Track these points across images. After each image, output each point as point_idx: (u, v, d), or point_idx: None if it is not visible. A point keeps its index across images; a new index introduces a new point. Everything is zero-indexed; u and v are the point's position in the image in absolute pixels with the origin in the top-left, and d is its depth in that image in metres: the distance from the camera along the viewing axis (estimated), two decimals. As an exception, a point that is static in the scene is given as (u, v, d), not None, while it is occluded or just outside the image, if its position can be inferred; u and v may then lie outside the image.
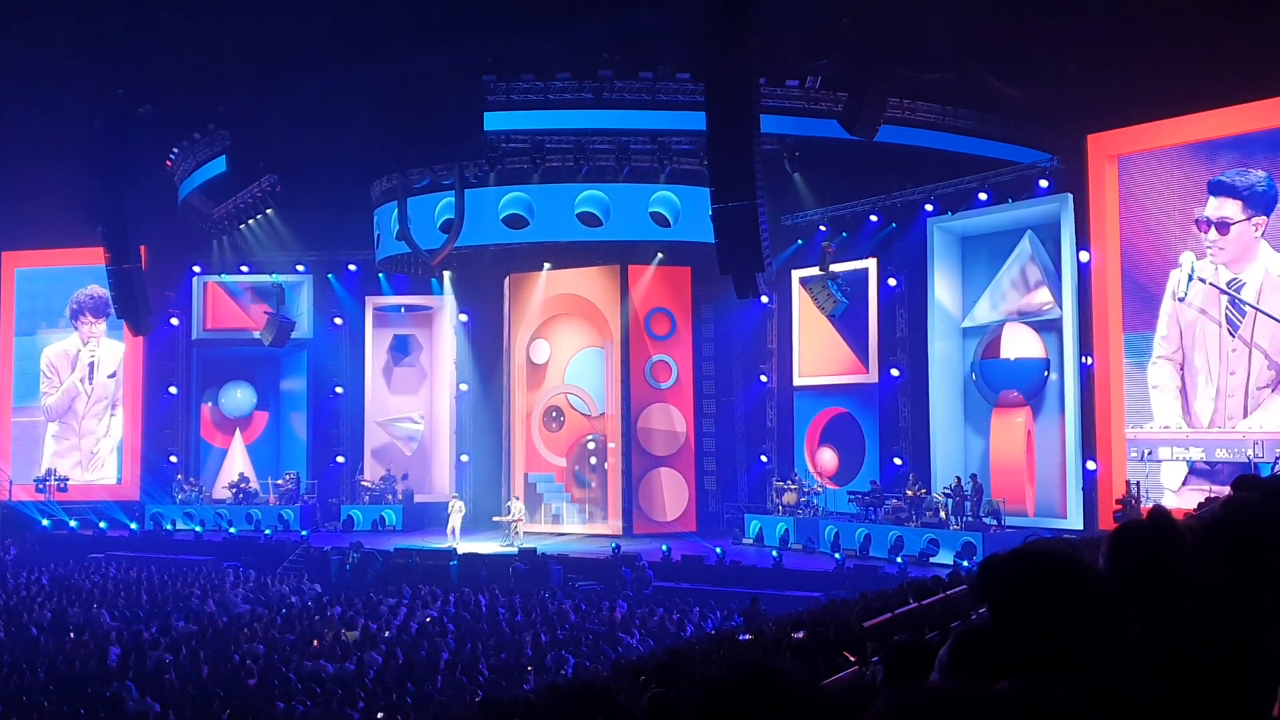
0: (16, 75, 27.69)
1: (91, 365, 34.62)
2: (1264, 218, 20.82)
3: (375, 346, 33.94)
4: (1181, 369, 21.90)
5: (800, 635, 7.85)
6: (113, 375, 34.60)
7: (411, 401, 34.11)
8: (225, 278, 33.82)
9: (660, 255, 29.55)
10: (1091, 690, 1.84)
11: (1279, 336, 20.76)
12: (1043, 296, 24.35)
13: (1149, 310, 22.26)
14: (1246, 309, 21.03)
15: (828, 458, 28.24)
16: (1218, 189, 21.31)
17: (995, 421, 25.15)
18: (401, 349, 34.22)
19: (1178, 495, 21.09)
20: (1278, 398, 20.60)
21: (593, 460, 30.37)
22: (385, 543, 27.30)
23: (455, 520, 27.66)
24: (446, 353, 33.86)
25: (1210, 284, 21.31)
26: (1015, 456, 24.64)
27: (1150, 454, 21.94)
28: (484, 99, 24.96)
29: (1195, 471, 21.50)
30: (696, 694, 1.70)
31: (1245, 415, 20.98)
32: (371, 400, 33.83)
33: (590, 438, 30.43)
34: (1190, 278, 21.57)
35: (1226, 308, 21.32)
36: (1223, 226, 21.17)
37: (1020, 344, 24.79)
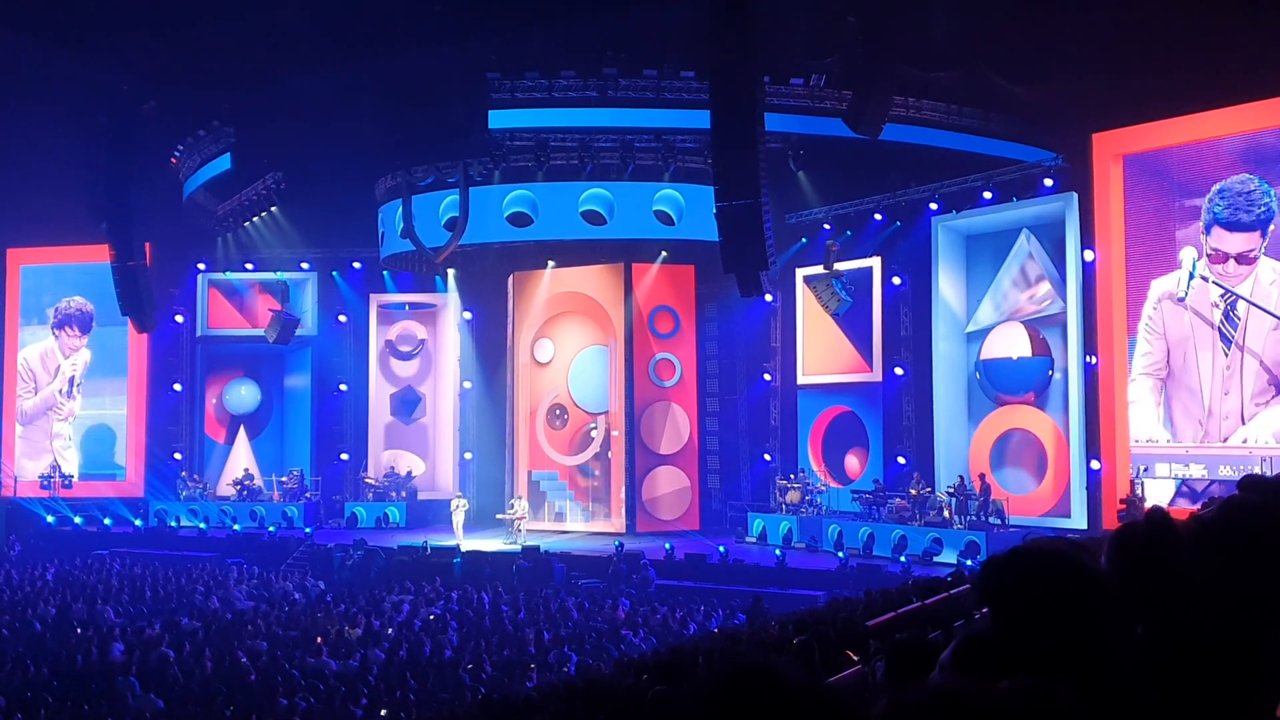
0: (22, 72, 27.72)
1: (72, 380, 34.59)
2: (1273, 226, 20.62)
3: (377, 397, 33.59)
4: (1165, 382, 21.70)
5: (804, 636, 7.86)
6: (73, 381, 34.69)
7: (408, 458, 33.55)
8: (230, 275, 33.85)
9: (664, 253, 29.54)
10: (1093, 691, 1.84)
11: (1274, 344, 20.52)
12: (1044, 291, 24.31)
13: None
14: (1240, 319, 20.76)
15: (854, 464, 28.12)
16: (1234, 227, 20.85)
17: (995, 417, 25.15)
18: (409, 405, 33.91)
19: None
20: (1274, 409, 20.38)
21: (597, 448, 30.36)
22: (389, 540, 27.32)
23: (458, 518, 27.69)
24: (450, 350, 33.86)
25: (1214, 282, 21.17)
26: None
27: (1146, 470, 21.74)
28: (489, 97, 24.98)
29: (1181, 494, 21.10)
30: (695, 691, 1.68)
31: (1242, 439, 20.66)
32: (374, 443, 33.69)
33: (592, 425, 30.40)
34: (1192, 275, 21.46)
35: (1221, 321, 21.05)
36: (1245, 259, 20.76)
37: (1005, 343, 24.81)
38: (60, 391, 34.50)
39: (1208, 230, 21.27)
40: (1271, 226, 20.56)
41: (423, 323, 34.20)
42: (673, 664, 7.78)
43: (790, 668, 1.65)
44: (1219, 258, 21.15)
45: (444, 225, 28.04)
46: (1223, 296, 21.02)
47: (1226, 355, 20.95)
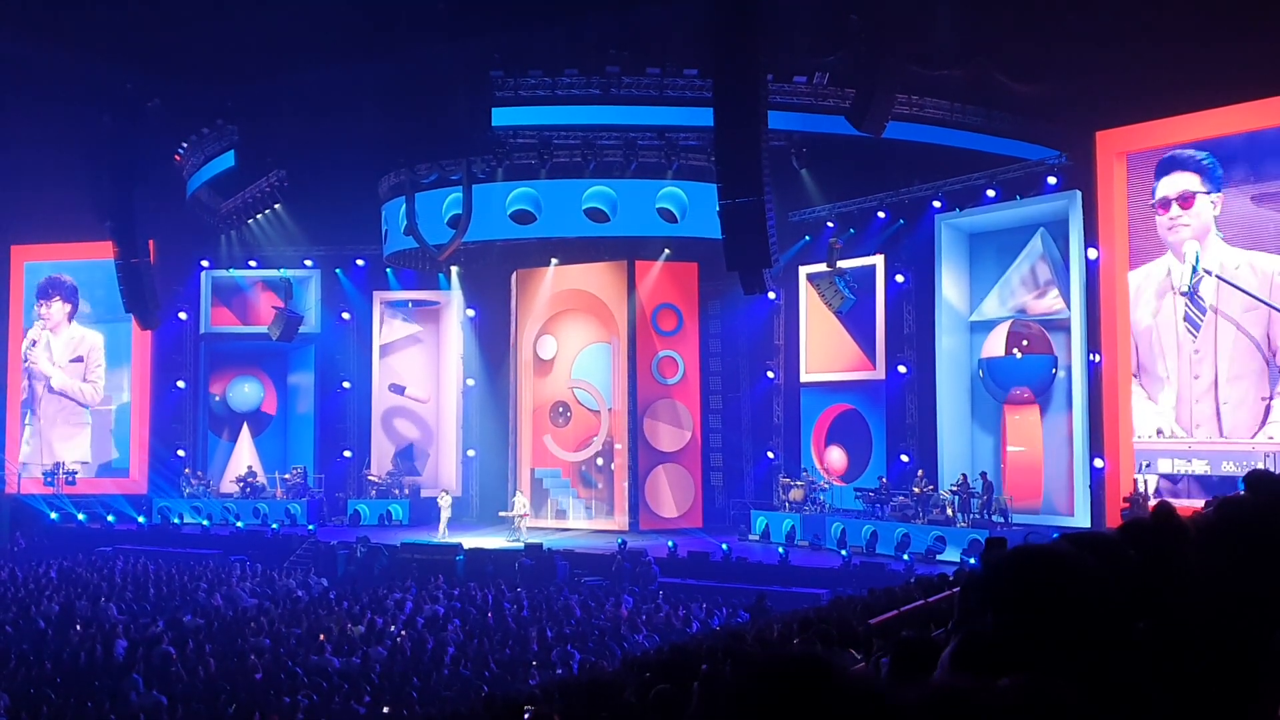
0: (26, 70, 27.74)
1: (80, 356, 34.85)
2: (1219, 194, 20.97)
3: (380, 453, 33.48)
4: (1140, 378, 21.94)
5: (807, 634, 7.85)
6: (79, 360, 34.71)
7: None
8: (233, 272, 33.88)
9: (667, 251, 29.54)
10: (1093, 688, 1.84)
11: (1251, 322, 20.60)
12: (1051, 297, 24.26)
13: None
14: (1205, 303, 20.94)
15: (836, 456, 28.21)
16: (1171, 165, 21.52)
17: (1009, 418, 25.09)
18: (409, 461, 33.67)
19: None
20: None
21: (599, 461, 30.38)
22: (392, 537, 27.33)
23: (445, 515, 27.68)
24: (453, 348, 33.87)
25: (1216, 276, 21.12)
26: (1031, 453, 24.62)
27: (1149, 465, 21.65)
28: (492, 94, 24.96)
29: (1163, 490, 21.12)
30: (738, 679, 1.62)
31: (1220, 430, 20.72)
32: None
33: (595, 438, 30.42)
34: (1195, 269, 21.40)
35: (1186, 305, 21.27)
36: (1185, 199, 21.22)
37: (997, 343, 24.97)
38: (48, 363, 34.62)
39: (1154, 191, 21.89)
40: (1218, 194, 20.92)
41: (425, 322, 34.19)
42: (676, 663, 7.78)
43: (838, 661, 1.59)
44: (1163, 206, 21.67)
45: (447, 223, 28.05)
46: (1190, 277, 21.14)
47: (1195, 339, 21.10)
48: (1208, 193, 21.09)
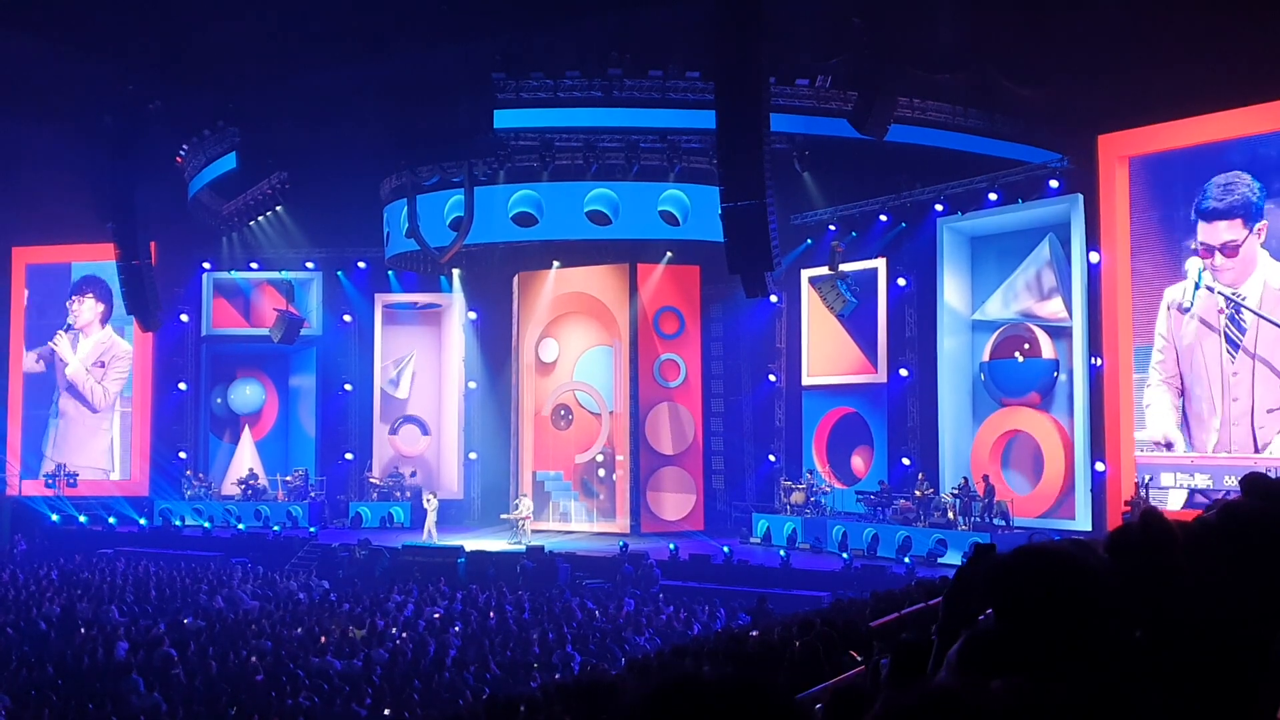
0: (27, 72, 27.78)
1: (102, 361, 34.74)
2: (1263, 222, 20.58)
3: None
4: (1181, 394, 21.53)
5: (807, 637, 7.84)
6: (101, 364, 34.66)
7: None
8: (235, 274, 33.90)
9: (669, 254, 29.53)
10: (1091, 691, 1.84)
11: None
12: (1055, 305, 24.20)
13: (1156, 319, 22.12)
14: (1247, 325, 20.57)
15: (860, 464, 28.09)
16: (1211, 215, 20.94)
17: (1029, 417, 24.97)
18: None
19: None
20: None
21: (600, 473, 30.35)
22: (393, 539, 27.34)
23: (431, 517, 27.65)
24: (455, 351, 33.88)
25: (1219, 292, 21.03)
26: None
27: (1152, 480, 21.56)
28: (493, 96, 24.97)
29: (1194, 504, 20.67)
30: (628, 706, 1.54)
31: (1256, 449, 20.32)
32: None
33: (597, 451, 30.36)
34: (1198, 285, 21.34)
35: (1226, 325, 20.86)
36: (1229, 249, 20.71)
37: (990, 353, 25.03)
38: (93, 368, 34.49)
39: (1193, 227, 21.30)
40: (1263, 223, 20.48)
41: (427, 324, 34.21)
42: (677, 665, 7.77)
43: (726, 675, 1.51)
44: (1206, 252, 21.10)
45: (449, 225, 28.06)
46: (1228, 301, 20.90)
47: (1234, 360, 20.81)
48: (1252, 230, 20.49)
